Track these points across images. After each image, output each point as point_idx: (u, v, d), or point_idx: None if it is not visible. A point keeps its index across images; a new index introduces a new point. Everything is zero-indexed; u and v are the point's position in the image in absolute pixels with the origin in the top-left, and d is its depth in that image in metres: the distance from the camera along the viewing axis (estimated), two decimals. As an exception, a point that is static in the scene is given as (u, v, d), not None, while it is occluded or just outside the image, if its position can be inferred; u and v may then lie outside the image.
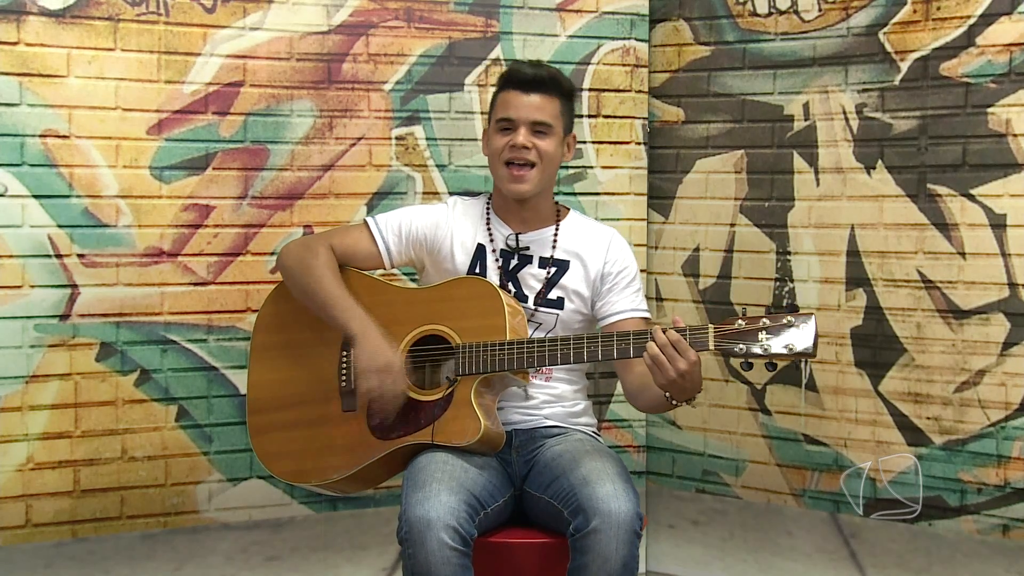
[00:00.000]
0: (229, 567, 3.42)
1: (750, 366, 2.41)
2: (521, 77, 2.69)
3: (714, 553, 3.73)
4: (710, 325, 2.39)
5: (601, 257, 2.74)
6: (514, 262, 2.74)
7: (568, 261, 2.74)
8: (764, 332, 2.37)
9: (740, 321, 2.39)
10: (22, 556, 3.23)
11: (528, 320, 2.70)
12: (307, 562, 3.49)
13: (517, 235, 2.76)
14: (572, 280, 2.73)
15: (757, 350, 2.37)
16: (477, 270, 2.74)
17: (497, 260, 2.75)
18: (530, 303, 2.71)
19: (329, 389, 2.72)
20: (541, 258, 2.74)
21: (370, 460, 2.62)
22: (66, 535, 3.29)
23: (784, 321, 2.37)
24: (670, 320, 2.45)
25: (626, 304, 2.72)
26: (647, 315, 2.75)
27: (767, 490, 3.69)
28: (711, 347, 2.39)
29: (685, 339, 2.39)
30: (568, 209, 2.83)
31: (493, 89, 2.76)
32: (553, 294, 2.72)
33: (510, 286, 2.72)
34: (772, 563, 3.64)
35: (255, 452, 2.78)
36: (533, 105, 2.67)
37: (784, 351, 2.36)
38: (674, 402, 2.47)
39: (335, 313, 2.68)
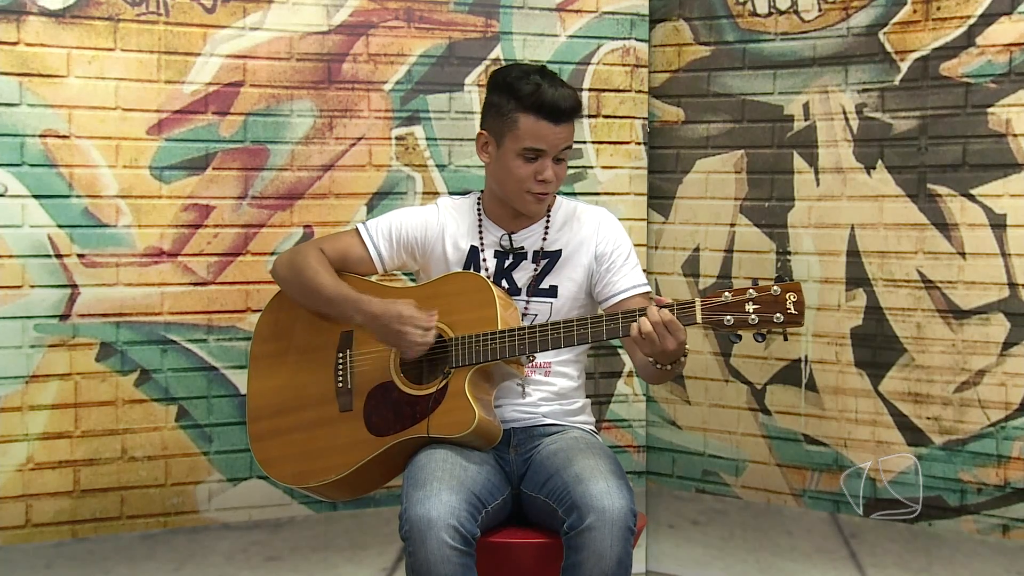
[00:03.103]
0: (229, 567, 3.43)
1: (739, 338, 2.43)
2: (556, 108, 2.61)
3: (714, 553, 3.73)
4: (697, 299, 2.42)
5: (593, 238, 2.75)
6: (508, 261, 2.76)
7: (560, 250, 2.75)
8: (751, 303, 2.39)
9: (727, 293, 2.42)
10: (22, 556, 3.23)
11: (523, 314, 2.71)
12: (307, 562, 3.50)
13: (510, 235, 2.77)
14: (565, 266, 2.75)
15: (745, 321, 2.39)
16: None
17: (492, 260, 2.76)
18: (523, 295, 2.73)
19: (326, 391, 2.73)
20: (534, 252, 2.75)
21: (368, 458, 2.64)
22: (66, 535, 3.29)
23: (771, 292, 2.39)
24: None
25: (627, 282, 2.74)
26: (648, 289, 2.77)
27: (767, 490, 3.69)
28: (699, 320, 2.41)
29: (673, 314, 2.41)
30: (554, 197, 2.84)
31: (518, 113, 2.63)
32: (545, 283, 2.74)
33: (504, 283, 2.74)
34: (772, 563, 3.64)
35: (256, 459, 2.79)
36: (562, 136, 2.66)
37: (772, 321, 2.38)
38: (658, 366, 2.50)
39: (336, 304, 2.70)
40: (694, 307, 2.41)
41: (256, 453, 2.80)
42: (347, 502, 3.53)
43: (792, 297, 2.37)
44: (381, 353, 2.67)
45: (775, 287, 2.38)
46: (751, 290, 2.40)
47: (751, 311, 2.38)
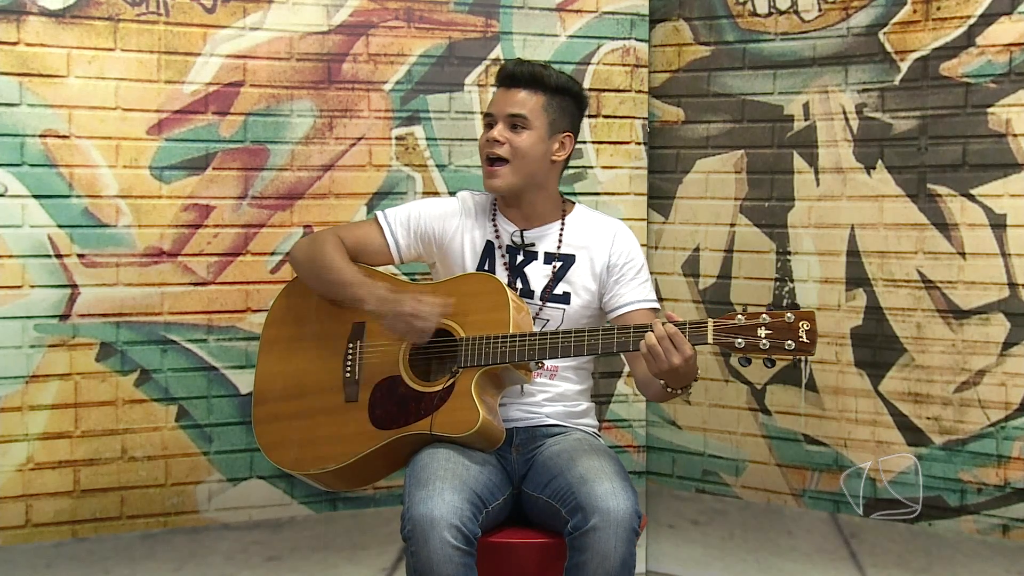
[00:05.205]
0: (229, 567, 3.43)
1: (748, 362, 2.43)
2: (505, 73, 2.73)
3: (714, 553, 3.73)
4: (709, 320, 2.41)
5: (606, 250, 2.75)
6: (520, 258, 2.76)
7: (573, 256, 2.75)
8: (763, 328, 2.39)
9: (740, 316, 2.41)
10: (22, 556, 3.23)
11: (535, 317, 2.71)
12: (307, 562, 3.50)
13: (522, 232, 2.77)
14: (578, 274, 2.74)
15: (756, 346, 2.39)
16: (486, 268, 2.76)
17: (504, 257, 2.76)
18: (536, 299, 2.73)
19: (333, 380, 2.73)
20: (546, 253, 2.75)
21: (369, 450, 2.64)
22: (66, 535, 3.29)
23: (784, 318, 2.38)
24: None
25: (634, 296, 2.73)
26: (656, 306, 2.76)
27: (767, 490, 3.70)
28: (710, 341, 2.41)
29: (684, 333, 2.40)
30: (574, 204, 2.84)
31: (493, 89, 2.78)
32: (559, 289, 2.73)
33: (517, 283, 2.74)
34: (772, 563, 3.64)
35: (257, 441, 2.79)
36: (512, 100, 2.70)
37: (783, 348, 2.38)
38: (669, 389, 2.49)
39: (353, 291, 2.70)
40: (706, 327, 2.40)
41: (258, 436, 2.80)
42: (346, 499, 3.53)
43: (805, 325, 2.35)
44: (391, 347, 2.67)
45: (789, 314, 2.37)
46: (764, 315, 2.39)
47: (763, 336, 2.37)
